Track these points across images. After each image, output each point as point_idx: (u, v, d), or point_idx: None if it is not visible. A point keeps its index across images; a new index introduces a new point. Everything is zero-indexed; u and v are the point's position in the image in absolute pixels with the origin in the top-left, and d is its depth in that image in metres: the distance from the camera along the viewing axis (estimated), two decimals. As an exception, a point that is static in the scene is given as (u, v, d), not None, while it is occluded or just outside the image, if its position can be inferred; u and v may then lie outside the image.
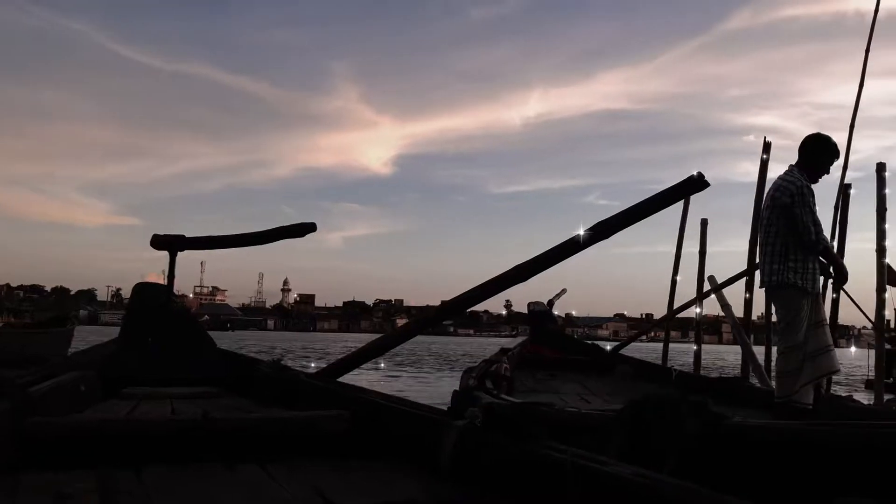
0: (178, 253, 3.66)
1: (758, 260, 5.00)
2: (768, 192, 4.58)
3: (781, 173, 4.50)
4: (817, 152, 4.48)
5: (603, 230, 3.35)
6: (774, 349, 7.40)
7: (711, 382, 5.56)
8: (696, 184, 3.31)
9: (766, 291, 4.56)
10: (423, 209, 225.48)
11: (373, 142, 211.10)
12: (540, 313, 7.04)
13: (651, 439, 1.69)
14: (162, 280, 3.86)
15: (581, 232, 3.33)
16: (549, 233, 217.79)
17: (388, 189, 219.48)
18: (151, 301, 3.57)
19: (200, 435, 1.91)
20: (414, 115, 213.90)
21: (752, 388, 5.56)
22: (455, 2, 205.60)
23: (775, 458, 1.68)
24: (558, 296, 8.20)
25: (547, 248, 3.40)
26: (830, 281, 4.83)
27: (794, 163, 4.50)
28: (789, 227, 4.30)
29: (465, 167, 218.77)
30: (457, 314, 3.88)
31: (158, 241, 3.64)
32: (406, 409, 2.01)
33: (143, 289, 3.68)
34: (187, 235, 3.74)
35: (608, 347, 7.62)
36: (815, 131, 4.63)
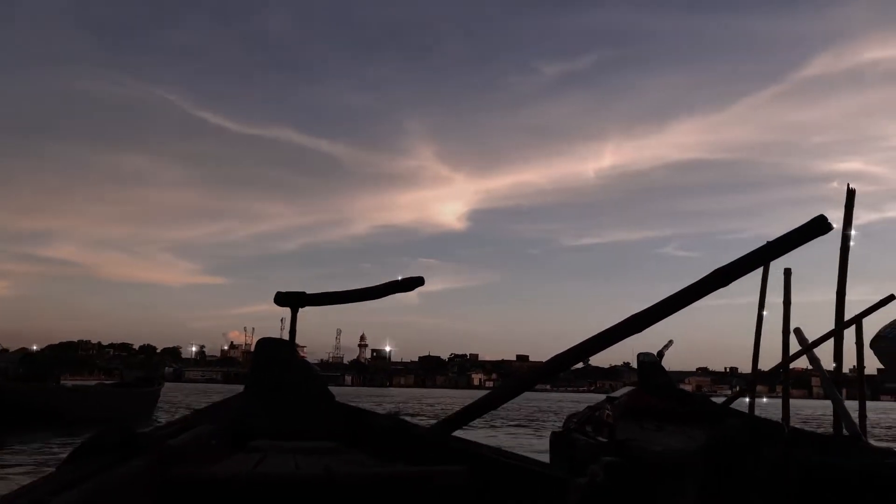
0: (300, 309, 3.83)
1: None
2: None
3: None
4: None
5: (720, 277, 3.30)
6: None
7: (826, 440, 5.37)
8: (821, 226, 3.25)
9: None
10: (498, 263, 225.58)
11: (448, 198, 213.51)
12: (649, 364, 6.97)
13: (729, 474, 1.68)
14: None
15: (695, 280, 3.28)
16: (625, 285, 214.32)
17: (463, 244, 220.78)
18: (274, 355, 3.70)
19: (324, 490, 1.97)
20: (488, 171, 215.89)
21: (868, 446, 5.35)
22: (527, 59, 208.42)
23: (856, 497, 1.64)
24: (666, 347, 8.07)
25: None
26: None
27: None
28: None
29: (538, 221, 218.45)
30: (568, 367, 3.86)
31: (281, 298, 3.85)
32: (525, 466, 2.02)
33: (266, 343, 3.82)
34: (307, 292, 3.94)
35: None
36: None
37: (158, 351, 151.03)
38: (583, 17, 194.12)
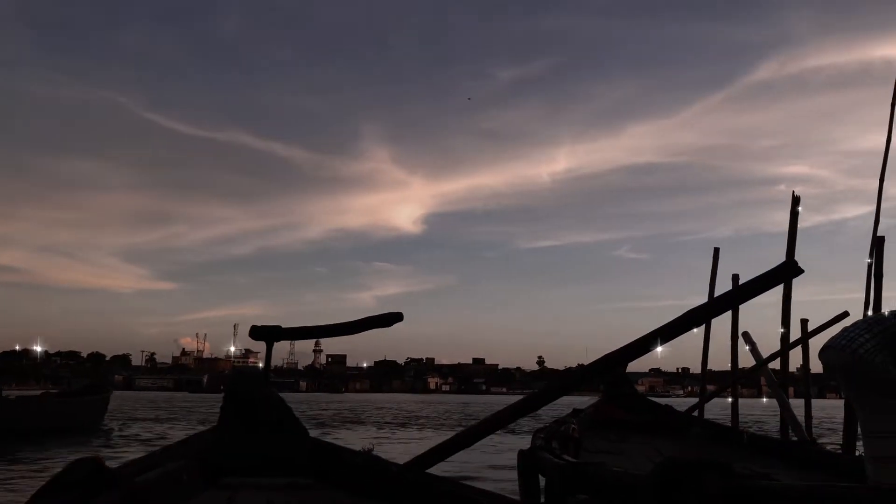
0: (274, 343, 3.80)
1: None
2: None
3: None
4: None
5: (690, 322, 3.38)
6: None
7: (782, 445, 5.53)
8: (792, 270, 3.33)
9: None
10: (453, 267, 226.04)
11: (403, 201, 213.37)
12: (614, 374, 7.07)
13: (676, 500, 1.71)
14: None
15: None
16: (580, 287, 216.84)
17: (418, 248, 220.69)
18: (247, 390, 3.65)
19: None
20: (444, 175, 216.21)
21: (822, 451, 5.52)
22: (482, 64, 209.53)
23: None
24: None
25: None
26: None
27: None
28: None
29: (494, 224, 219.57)
30: (536, 409, 3.93)
31: (257, 332, 3.81)
32: None
33: (239, 375, 3.78)
34: (283, 326, 3.92)
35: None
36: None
37: (107, 359, 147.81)
38: (536, 23, 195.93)
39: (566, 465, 3.84)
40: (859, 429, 4.37)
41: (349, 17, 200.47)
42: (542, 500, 4.05)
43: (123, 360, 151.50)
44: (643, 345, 3.36)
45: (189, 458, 3.03)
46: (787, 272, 3.34)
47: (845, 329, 4.62)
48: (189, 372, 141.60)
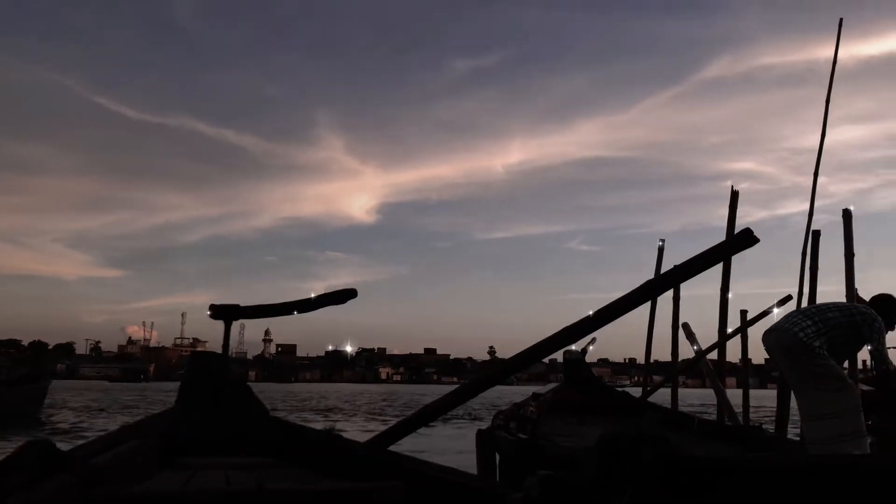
0: (233, 322, 3.75)
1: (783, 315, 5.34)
2: (864, 313, 4.64)
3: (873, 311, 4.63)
4: (891, 312, 4.77)
5: (654, 287, 3.42)
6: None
7: (728, 430, 5.89)
8: (748, 239, 3.38)
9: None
10: (407, 257, 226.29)
11: (357, 191, 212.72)
12: (574, 360, 7.23)
13: (614, 470, 1.81)
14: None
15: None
16: (533, 278, 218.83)
17: (371, 237, 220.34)
18: (207, 370, 3.59)
19: None
20: (398, 165, 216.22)
21: (764, 435, 5.84)
22: (436, 55, 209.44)
23: (728, 489, 1.78)
24: (590, 343, 8.39)
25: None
26: None
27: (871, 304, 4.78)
28: (851, 348, 4.69)
29: (448, 214, 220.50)
30: (514, 371, 4.04)
31: (216, 311, 3.76)
32: (462, 482, 2.03)
33: (198, 358, 3.72)
34: (241, 304, 3.88)
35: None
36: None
37: (50, 347, 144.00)
38: (491, 15, 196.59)
39: (519, 441, 3.94)
40: (799, 412, 4.56)
41: (305, 5, 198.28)
42: (498, 475, 4.17)
43: (67, 348, 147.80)
44: (589, 325, 3.37)
45: (146, 438, 2.99)
46: (743, 241, 3.40)
47: (789, 314, 4.79)
48: (135, 361, 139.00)
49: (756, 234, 3.26)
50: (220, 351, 3.82)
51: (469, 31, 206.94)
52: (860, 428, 4.37)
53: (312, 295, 3.98)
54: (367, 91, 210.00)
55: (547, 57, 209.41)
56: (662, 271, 8.62)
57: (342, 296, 4.01)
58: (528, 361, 3.60)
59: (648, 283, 3.49)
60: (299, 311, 4.09)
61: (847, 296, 6.45)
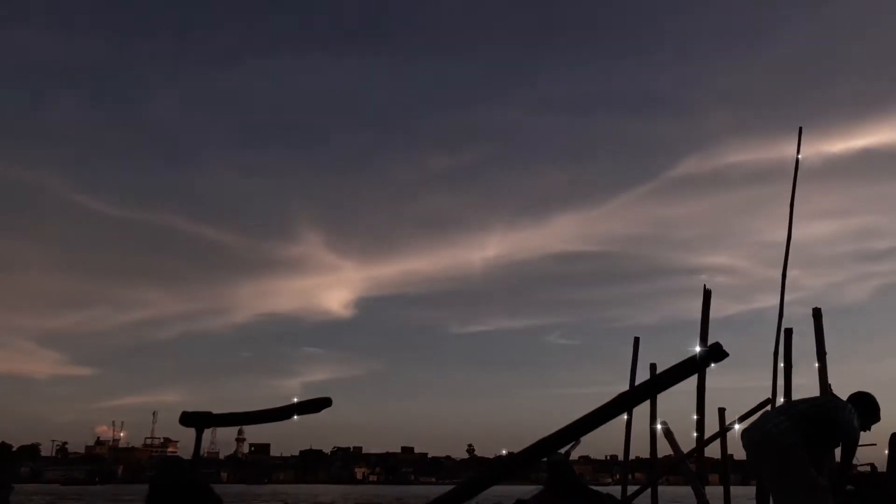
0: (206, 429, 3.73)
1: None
2: (839, 406, 4.72)
3: (850, 407, 4.69)
4: (870, 411, 4.83)
5: (628, 400, 3.54)
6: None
7: None
8: (718, 353, 3.51)
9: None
10: (384, 352, 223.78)
11: (335, 285, 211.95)
12: (558, 463, 7.13)
13: None
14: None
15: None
16: (511, 372, 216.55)
17: (348, 332, 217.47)
18: (175, 476, 3.54)
19: None
20: (376, 259, 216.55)
21: None
22: (416, 152, 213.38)
23: None
24: (574, 445, 8.35)
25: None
26: None
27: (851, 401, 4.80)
28: (828, 442, 4.68)
29: (425, 308, 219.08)
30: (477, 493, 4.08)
31: (187, 419, 3.75)
32: None
33: (166, 464, 3.66)
34: (214, 412, 3.85)
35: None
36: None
37: (14, 449, 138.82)
38: (467, 114, 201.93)
39: None
40: None
41: (282, 102, 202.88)
42: None
43: (32, 450, 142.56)
44: (569, 433, 3.47)
45: None
46: (713, 355, 3.51)
47: (765, 413, 4.88)
48: (103, 462, 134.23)
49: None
50: (191, 453, 3.80)
51: (447, 129, 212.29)
52: None
53: (295, 399, 4.01)
54: (345, 187, 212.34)
55: (522, 155, 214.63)
56: (638, 367, 8.74)
57: (316, 405, 4.07)
58: (510, 470, 3.65)
59: (622, 395, 3.61)
60: (275, 420, 4.11)
61: (821, 393, 6.55)
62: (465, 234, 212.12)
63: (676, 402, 11.25)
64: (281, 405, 4.08)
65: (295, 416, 4.20)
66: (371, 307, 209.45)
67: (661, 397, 8.17)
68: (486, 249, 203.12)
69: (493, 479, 3.80)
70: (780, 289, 6.82)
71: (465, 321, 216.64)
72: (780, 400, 6.54)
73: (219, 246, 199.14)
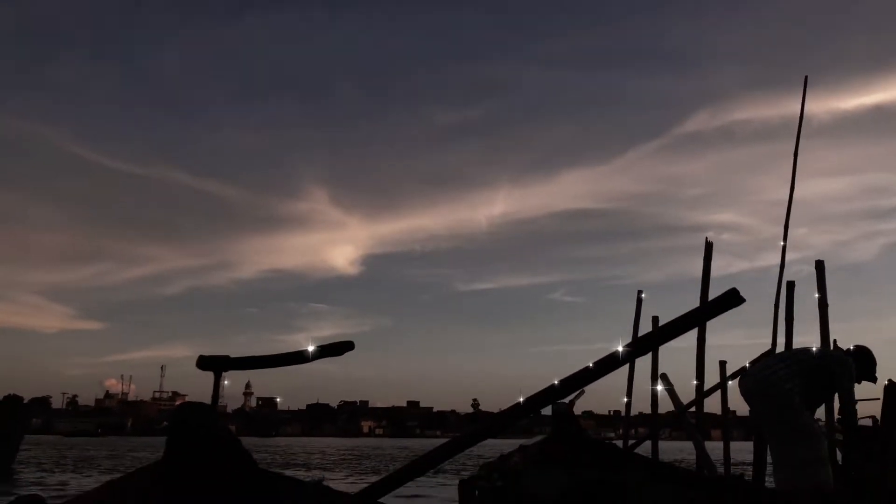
0: (224, 373, 3.66)
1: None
2: (837, 356, 4.77)
3: (849, 360, 4.74)
4: (868, 366, 4.88)
5: (643, 346, 3.50)
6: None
7: (710, 479, 5.88)
8: (734, 299, 3.45)
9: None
10: (389, 308, 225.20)
11: (340, 242, 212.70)
12: (562, 413, 7.23)
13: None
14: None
15: (620, 348, 3.54)
16: (516, 330, 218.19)
17: (354, 289, 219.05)
18: (195, 423, 3.47)
19: None
20: (382, 216, 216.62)
21: (742, 483, 5.82)
22: (421, 107, 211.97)
23: None
24: (578, 396, 8.42)
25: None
26: None
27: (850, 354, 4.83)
28: (825, 392, 4.77)
29: (431, 266, 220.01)
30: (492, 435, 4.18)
31: (204, 362, 3.68)
32: None
33: (185, 410, 3.58)
34: (231, 356, 3.79)
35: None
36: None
37: (25, 402, 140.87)
38: (474, 69, 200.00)
39: (496, 489, 4.02)
40: (769, 458, 4.60)
41: (288, 57, 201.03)
42: None
43: (42, 402, 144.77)
44: (574, 382, 3.45)
45: (130, 497, 2.93)
46: (729, 301, 3.47)
47: (764, 360, 4.86)
48: (113, 415, 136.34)
49: (737, 284, 3.33)
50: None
51: (453, 84, 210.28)
52: (826, 480, 4.42)
53: (310, 348, 3.94)
54: (352, 143, 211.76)
55: (530, 110, 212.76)
56: (641, 323, 8.70)
57: (339, 348, 3.98)
58: (513, 419, 3.65)
59: (639, 339, 3.59)
60: (294, 363, 4.04)
61: (823, 345, 6.53)
62: (471, 191, 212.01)
63: (677, 357, 11.28)
64: (305, 349, 3.98)
65: (317, 360, 4.09)
66: (377, 264, 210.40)
67: (662, 357, 8.16)
68: (492, 206, 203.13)
69: (498, 429, 3.81)
70: (787, 245, 6.77)
71: (471, 278, 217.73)
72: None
73: (223, 201, 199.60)
